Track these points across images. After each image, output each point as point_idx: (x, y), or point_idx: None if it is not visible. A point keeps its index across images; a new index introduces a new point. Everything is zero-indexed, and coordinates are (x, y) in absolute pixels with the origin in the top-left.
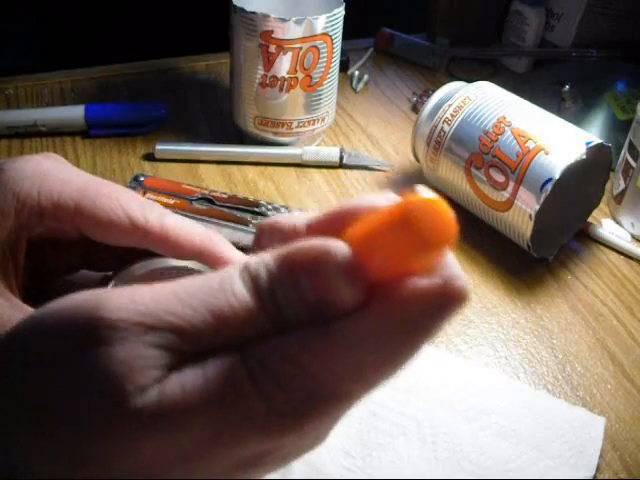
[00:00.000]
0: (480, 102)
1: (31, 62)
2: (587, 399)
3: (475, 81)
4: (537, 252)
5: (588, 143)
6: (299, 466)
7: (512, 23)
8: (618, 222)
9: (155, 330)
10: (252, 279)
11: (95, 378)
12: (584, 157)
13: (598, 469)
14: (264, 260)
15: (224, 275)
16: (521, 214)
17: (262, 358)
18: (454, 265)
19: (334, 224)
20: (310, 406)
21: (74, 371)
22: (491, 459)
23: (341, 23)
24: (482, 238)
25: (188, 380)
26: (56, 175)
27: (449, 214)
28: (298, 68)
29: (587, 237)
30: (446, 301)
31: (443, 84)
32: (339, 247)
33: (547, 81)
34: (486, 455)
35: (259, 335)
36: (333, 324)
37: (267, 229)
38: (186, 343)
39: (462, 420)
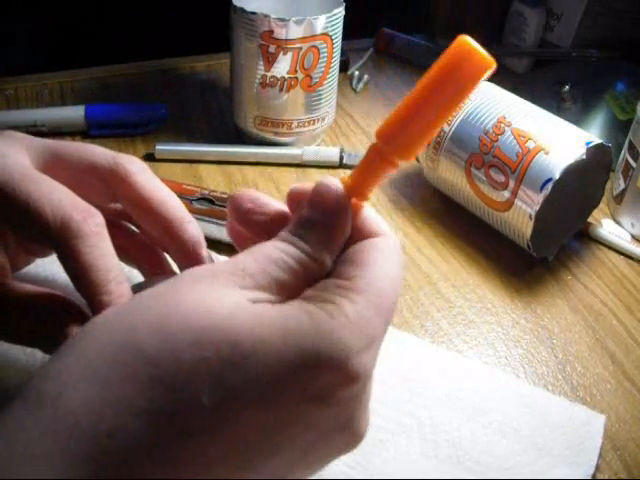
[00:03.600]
0: (480, 102)
1: (31, 62)
2: (587, 399)
3: None
4: (537, 252)
5: (588, 143)
6: None
7: (512, 23)
8: (618, 222)
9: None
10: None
11: None
12: (584, 157)
13: (598, 468)
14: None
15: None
16: (521, 214)
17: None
18: None
19: None
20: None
21: None
22: (491, 457)
23: (341, 23)
24: (482, 238)
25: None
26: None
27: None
28: (298, 68)
29: (587, 237)
30: None
31: None
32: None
33: (547, 81)
34: (486, 453)
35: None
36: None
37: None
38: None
39: (462, 418)
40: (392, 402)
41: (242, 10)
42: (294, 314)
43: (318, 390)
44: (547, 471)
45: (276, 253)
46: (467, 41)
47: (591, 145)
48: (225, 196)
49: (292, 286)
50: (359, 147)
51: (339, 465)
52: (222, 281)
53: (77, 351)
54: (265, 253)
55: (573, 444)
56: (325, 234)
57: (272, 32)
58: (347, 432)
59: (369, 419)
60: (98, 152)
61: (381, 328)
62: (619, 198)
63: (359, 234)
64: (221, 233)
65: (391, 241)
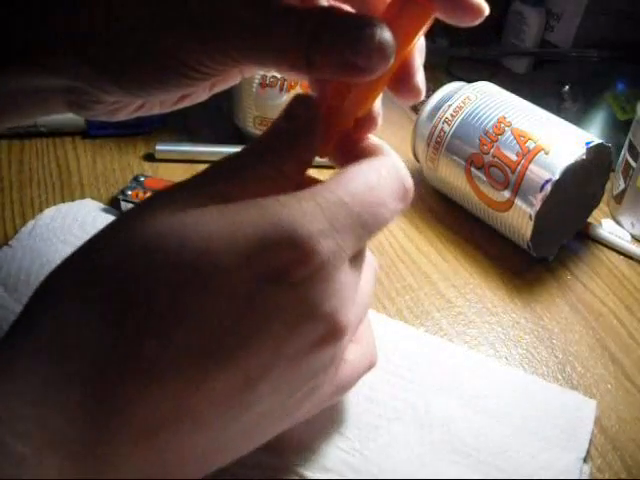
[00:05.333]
0: (480, 102)
1: None
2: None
3: (475, 81)
4: (537, 252)
5: (588, 143)
6: (295, 447)
7: (512, 23)
8: (618, 222)
9: None
10: None
11: None
12: (584, 157)
13: (589, 453)
14: None
15: None
16: (521, 214)
17: None
18: None
19: None
20: None
21: None
22: (485, 442)
23: None
24: (482, 238)
25: None
26: None
27: None
28: None
29: (587, 237)
30: None
31: (443, 84)
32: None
33: (547, 81)
34: (480, 438)
35: None
36: None
37: None
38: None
39: (457, 404)
40: (387, 389)
41: None
42: (238, 204)
43: (269, 270)
44: (540, 455)
45: (226, 163)
46: None
47: (591, 145)
48: None
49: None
50: None
51: (335, 450)
52: (177, 201)
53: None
54: (225, 164)
55: (565, 428)
56: (289, 143)
57: None
58: (316, 321)
59: (348, 312)
60: None
61: (343, 216)
62: (619, 198)
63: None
64: None
65: (389, 158)
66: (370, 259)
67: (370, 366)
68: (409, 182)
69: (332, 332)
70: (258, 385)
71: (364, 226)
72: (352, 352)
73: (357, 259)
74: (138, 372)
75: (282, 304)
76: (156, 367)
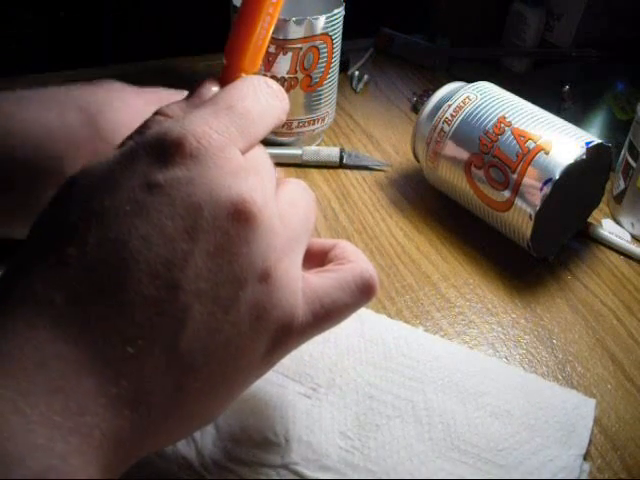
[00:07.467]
0: (480, 102)
1: (31, 62)
2: None
3: (475, 81)
4: (537, 252)
5: (588, 143)
6: (295, 446)
7: (512, 23)
8: (618, 222)
9: None
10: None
11: None
12: (584, 157)
13: (589, 453)
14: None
15: None
16: (521, 214)
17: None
18: None
19: None
20: None
21: None
22: (485, 439)
23: (341, 23)
24: (482, 238)
25: None
26: None
27: None
28: (298, 68)
29: (587, 237)
30: None
31: (443, 84)
32: None
33: (547, 81)
34: (480, 435)
35: None
36: None
37: None
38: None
39: (456, 402)
40: (387, 386)
41: None
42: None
43: (153, 160)
44: (540, 452)
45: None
46: None
47: (591, 145)
48: None
49: None
50: (359, 147)
51: (335, 449)
52: None
53: None
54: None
55: (565, 426)
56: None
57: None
58: (215, 196)
59: (252, 189)
60: None
61: (210, 109)
62: (619, 198)
63: None
64: None
65: (254, 78)
66: (302, 183)
67: (364, 289)
68: (277, 84)
69: (240, 208)
70: (184, 271)
71: (240, 116)
72: (328, 269)
73: (254, 157)
74: (65, 279)
75: (177, 187)
76: (74, 269)
